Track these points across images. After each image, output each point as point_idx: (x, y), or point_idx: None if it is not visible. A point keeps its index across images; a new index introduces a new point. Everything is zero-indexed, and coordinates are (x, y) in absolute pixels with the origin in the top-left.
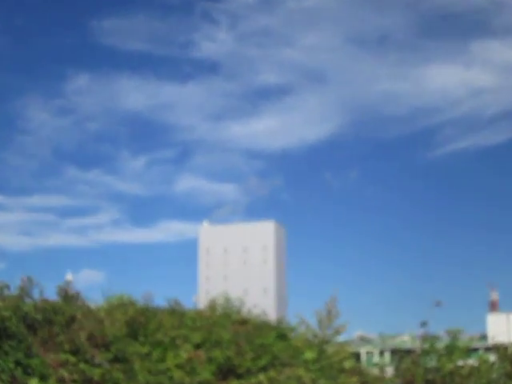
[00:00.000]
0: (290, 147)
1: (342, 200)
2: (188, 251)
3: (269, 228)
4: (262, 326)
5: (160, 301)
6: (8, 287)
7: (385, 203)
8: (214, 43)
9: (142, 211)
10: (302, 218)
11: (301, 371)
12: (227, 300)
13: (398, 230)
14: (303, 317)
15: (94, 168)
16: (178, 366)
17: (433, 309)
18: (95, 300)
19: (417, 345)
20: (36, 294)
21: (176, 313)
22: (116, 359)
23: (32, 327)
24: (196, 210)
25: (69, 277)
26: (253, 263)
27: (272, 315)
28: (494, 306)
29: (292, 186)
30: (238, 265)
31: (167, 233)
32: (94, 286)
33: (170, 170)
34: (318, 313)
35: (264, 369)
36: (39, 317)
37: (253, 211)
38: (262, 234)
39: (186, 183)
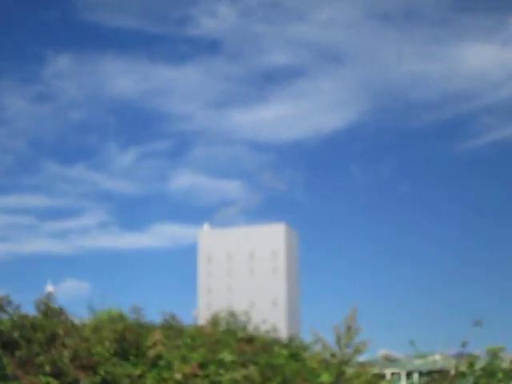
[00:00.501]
0: (303, 138)
1: (363, 199)
2: (186, 258)
3: (279, 232)
4: (271, 344)
5: (154, 315)
6: None
7: (414, 202)
8: (214, 19)
9: (132, 213)
10: (318, 219)
11: None
12: (231, 314)
13: (431, 232)
14: (319, 333)
15: (77, 163)
16: None
17: (471, 326)
18: (80, 315)
19: (450, 365)
20: (13, 309)
21: (173, 329)
22: (104, 382)
23: (8, 346)
24: (195, 211)
25: (50, 288)
26: (261, 272)
27: (283, 331)
28: None
29: (306, 184)
30: (244, 274)
31: (162, 237)
32: (78, 298)
33: (164, 165)
34: (336, 329)
35: None
36: (16, 334)
37: (260, 212)
38: (272, 239)
39: (184, 180)
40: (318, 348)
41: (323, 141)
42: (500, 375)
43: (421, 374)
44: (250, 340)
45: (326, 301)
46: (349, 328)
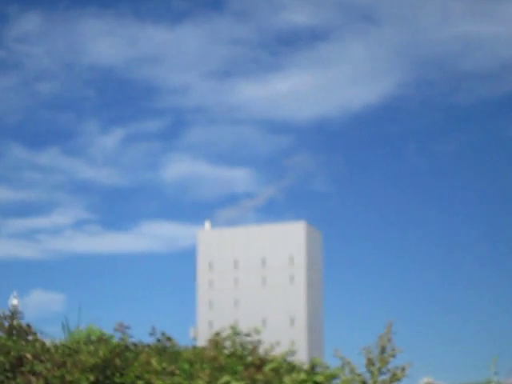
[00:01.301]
0: (328, 117)
1: (401, 193)
2: (183, 265)
3: (298, 232)
4: (287, 371)
5: (144, 335)
6: None
7: (464, 195)
8: None
9: (117, 208)
10: (346, 217)
11: None
12: (238, 334)
13: (484, 233)
14: (346, 356)
15: (48, 148)
16: None
17: None
18: (52, 334)
19: None
20: None
21: (167, 352)
22: None
23: None
24: (194, 207)
25: (14, 301)
26: (274, 282)
27: (302, 354)
28: None
29: (330, 173)
30: (254, 284)
31: (153, 239)
32: (50, 313)
33: (156, 150)
34: (368, 351)
35: None
36: None
37: (275, 208)
38: (289, 241)
39: (180, 168)
40: (345, 375)
41: (352, 120)
42: None
43: None
44: (262, 365)
45: (355, 317)
46: (383, 349)
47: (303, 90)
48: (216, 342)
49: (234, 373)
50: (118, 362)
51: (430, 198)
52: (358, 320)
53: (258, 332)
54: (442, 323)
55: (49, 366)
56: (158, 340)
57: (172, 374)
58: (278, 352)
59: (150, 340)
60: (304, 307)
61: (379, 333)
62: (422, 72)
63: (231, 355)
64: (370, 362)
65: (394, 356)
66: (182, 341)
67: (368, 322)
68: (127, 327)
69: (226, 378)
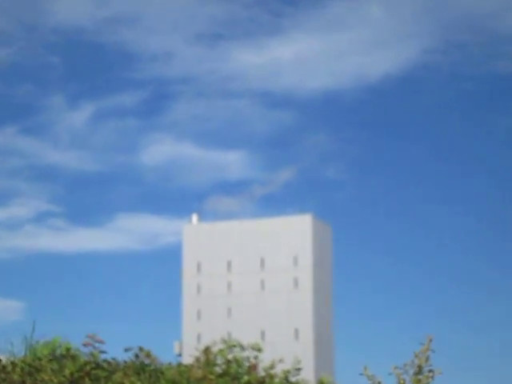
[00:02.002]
0: (339, 89)
1: (426, 179)
2: (165, 266)
3: (303, 227)
4: None
5: (119, 351)
6: None
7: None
8: None
9: (87, 198)
10: (361, 209)
11: None
12: (232, 349)
13: None
14: (374, 375)
15: (3, 126)
16: None
17: None
18: (9, 349)
19: None
20: None
21: (146, 371)
22: None
23: None
24: (178, 197)
25: None
26: (276, 286)
27: (308, 373)
28: None
29: (342, 156)
30: (251, 289)
31: (130, 235)
32: (6, 324)
33: (133, 129)
34: (398, 373)
35: None
36: None
37: (276, 199)
38: (292, 237)
39: (161, 151)
40: None
41: (368, 93)
42: None
43: None
44: None
45: (371, 328)
46: (419, 370)
47: (310, 57)
48: (205, 359)
49: None
50: (87, 382)
51: (465, 188)
52: (375, 332)
53: (255, 347)
54: (473, 343)
55: None
56: (136, 356)
57: None
58: (279, 370)
59: (126, 356)
60: (310, 317)
61: (415, 348)
62: (452, 36)
63: (224, 374)
64: None
65: (432, 378)
66: (165, 357)
67: (388, 335)
68: (99, 341)
69: None
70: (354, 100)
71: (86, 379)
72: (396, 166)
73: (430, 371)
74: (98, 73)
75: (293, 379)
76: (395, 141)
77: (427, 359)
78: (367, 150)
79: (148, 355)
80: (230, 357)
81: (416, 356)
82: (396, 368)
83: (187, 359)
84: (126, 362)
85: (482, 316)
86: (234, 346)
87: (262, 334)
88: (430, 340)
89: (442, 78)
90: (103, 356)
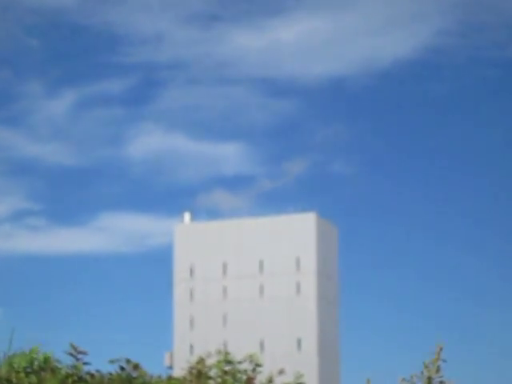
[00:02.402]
0: (347, 75)
1: (445, 170)
2: (155, 269)
3: (306, 227)
4: None
5: (103, 362)
6: None
7: None
8: None
9: (68, 195)
10: (371, 207)
11: None
12: (228, 360)
13: None
14: None
15: None
16: None
17: None
18: None
19: None
20: None
21: None
22: None
23: None
24: (169, 194)
25: None
26: (276, 292)
27: None
28: None
29: (350, 149)
30: (249, 295)
31: (115, 235)
32: None
33: (119, 119)
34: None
35: None
36: None
37: (276, 195)
38: (295, 238)
39: (150, 143)
40: None
41: (379, 79)
42: None
43: None
44: None
45: (380, 338)
46: (429, 381)
47: (314, 40)
48: (198, 371)
49: None
50: None
51: (484, 182)
52: (384, 342)
53: (254, 358)
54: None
55: None
56: (122, 368)
57: None
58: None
59: (112, 369)
60: (314, 325)
61: (425, 360)
62: (471, 16)
63: None
64: None
65: None
66: (154, 369)
67: (399, 345)
68: (82, 352)
69: None
70: (363, 87)
71: None
72: (409, 160)
73: (441, 383)
74: (80, 57)
75: None
76: (408, 132)
77: (438, 370)
78: (377, 143)
79: (135, 367)
80: (225, 369)
81: (426, 367)
82: (403, 380)
83: (179, 372)
84: (111, 374)
85: (493, 328)
86: (230, 362)
87: (261, 345)
88: (441, 349)
89: (460, 63)
90: (86, 368)
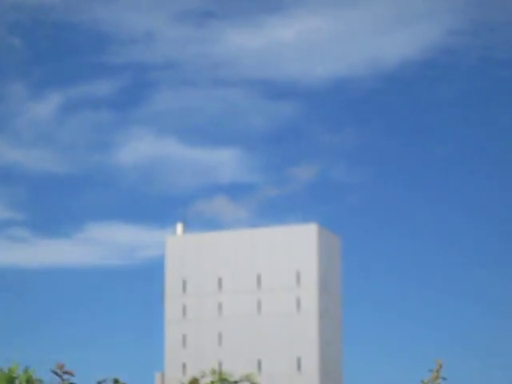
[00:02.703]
0: (350, 76)
1: (455, 178)
2: (145, 284)
3: (307, 239)
4: None
5: (91, 383)
6: None
7: None
8: None
9: (53, 205)
10: (376, 217)
11: None
12: (224, 379)
13: None
14: None
15: None
16: None
17: None
18: None
19: None
20: None
21: None
22: None
23: None
24: (161, 203)
25: None
26: (274, 309)
27: None
28: None
29: (354, 155)
30: (246, 312)
31: (104, 248)
32: None
33: (108, 123)
34: None
35: None
36: None
37: (275, 205)
38: (295, 251)
39: (141, 149)
40: None
41: (385, 81)
42: None
43: None
44: None
45: (385, 357)
46: None
47: (316, 40)
48: None
49: None
50: None
51: (496, 189)
52: (389, 362)
53: (251, 378)
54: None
55: None
56: None
57: None
58: None
59: None
60: (315, 344)
61: (423, 379)
62: (482, 14)
63: None
64: None
65: None
66: None
67: (404, 361)
68: (69, 372)
69: None
70: (368, 89)
71: None
72: (417, 166)
73: None
74: (66, 57)
75: None
76: (416, 137)
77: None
78: (383, 149)
79: None
80: None
81: (431, 378)
82: None
83: None
84: None
85: (502, 339)
86: (226, 379)
87: (259, 364)
88: (440, 366)
89: (471, 64)
90: None
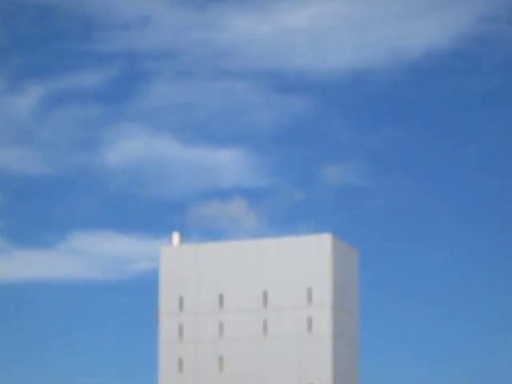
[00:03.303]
0: (369, 67)
1: (488, 181)
2: (137, 301)
3: (320, 250)
4: None
5: None
6: None
7: None
8: None
9: (31, 211)
10: (399, 227)
11: None
12: None
13: None
14: None
15: None
16: None
17: None
18: None
19: None
20: None
21: None
22: None
23: None
24: (154, 209)
25: None
26: (283, 330)
27: None
28: None
29: (375, 156)
30: (250, 333)
31: (89, 260)
32: None
33: (95, 119)
34: None
35: None
36: None
37: (284, 213)
38: (306, 264)
39: (132, 148)
40: None
41: (408, 73)
42: None
43: None
44: None
45: (409, 380)
46: None
47: (332, 26)
48: None
49: None
50: None
51: None
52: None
53: None
54: None
55: None
56: None
57: None
58: None
59: None
60: (329, 371)
61: None
62: None
63: None
64: None
65: None
66: None
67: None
68: None
69: None
70: (390, 82)
71: None
72: (448, 170)
73: None
74: (49, 44)
75: None
76: (445, 137)
77: None
78: (407, 149)
79: None
80: None
81: None
82: None
83: None
84: None
85: None
86: None
87: None
88: None
89: (506, 54)
90: None
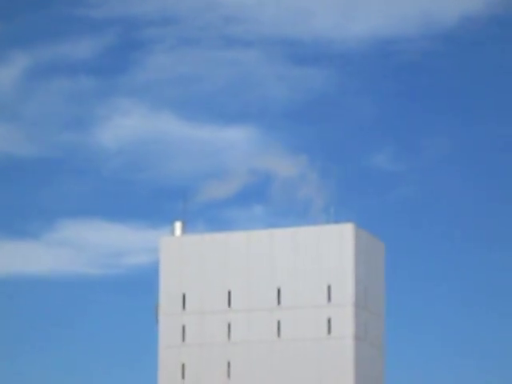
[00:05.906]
0: (395, 37)
1: None
2: (134, 298)
3: (341, 242)
4: None
5: None
6: None
7: None
8: None
9: (15, 198)
10: (428, 217)
11: None
12: None
13: None
14: None
15: None
16: None
17: None
18: None
19: None
20: None
21: None
22: None
23: None
24: (153, 195)
25: None
26: (298, 332)
27: None
28: None
29: (401, 136)
30: (262, 335)
31: (79, 252)
32: None
33: (87, 93)
34: None
35: None
36: None
37: (301, 199)
38: (325, 258)
39: (128, 126)
40: None
41: (438, 42)
42: None
43: None
44: None
45: None
46: None
47: None
48: None
49: None
50: None
51: None
52: None
53: None
54: None
55: None
56: None
57: None
58: None
59: None
60: (350, 377)
61: None
62: None
63: None
64: None
65: None
66: None
67: None
68: None
69: None
70: (420, 53)
71: None
72: (486, 151)
73: None
74: (36, 10)
75: None
76: (481, 114)
77: None
78: (440, 128)
79: None
80: None
81: None
82: None
83: None
84: None
85: None
86: None
87: None
88: None
89: None
90: None
